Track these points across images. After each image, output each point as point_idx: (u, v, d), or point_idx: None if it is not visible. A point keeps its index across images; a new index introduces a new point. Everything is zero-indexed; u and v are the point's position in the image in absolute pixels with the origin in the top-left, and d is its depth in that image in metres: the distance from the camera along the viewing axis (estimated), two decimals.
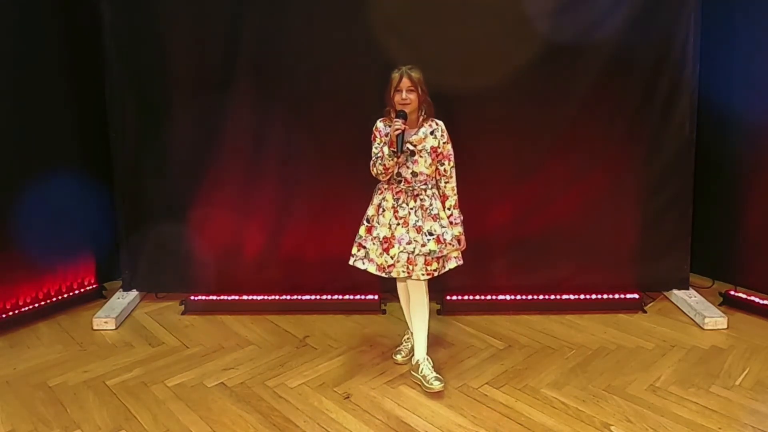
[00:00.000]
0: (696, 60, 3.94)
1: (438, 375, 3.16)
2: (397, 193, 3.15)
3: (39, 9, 3.87)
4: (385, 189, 3.17)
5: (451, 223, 3.18)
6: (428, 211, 3.13)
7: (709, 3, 3.95)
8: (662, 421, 2.90)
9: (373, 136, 3.16)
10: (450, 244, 3.14)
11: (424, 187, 3.14)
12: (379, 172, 3.07)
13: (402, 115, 3.02)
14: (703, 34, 3.94)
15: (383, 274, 3.14)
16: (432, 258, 3.11)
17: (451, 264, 3.20)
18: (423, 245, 3.09)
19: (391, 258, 3.10)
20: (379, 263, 3.13)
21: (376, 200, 3.20)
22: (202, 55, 3.92)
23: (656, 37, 3.89)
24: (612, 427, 2.87)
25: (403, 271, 3.10)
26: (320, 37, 3.85)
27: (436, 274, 3.15)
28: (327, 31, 3.84)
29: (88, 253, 4.32)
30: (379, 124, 3.16)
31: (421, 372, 3.19)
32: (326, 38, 3.84)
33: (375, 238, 3.14)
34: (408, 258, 3.09)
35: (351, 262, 3.21)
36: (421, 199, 3.13)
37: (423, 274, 3.10)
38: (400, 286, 3.32)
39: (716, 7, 4.04)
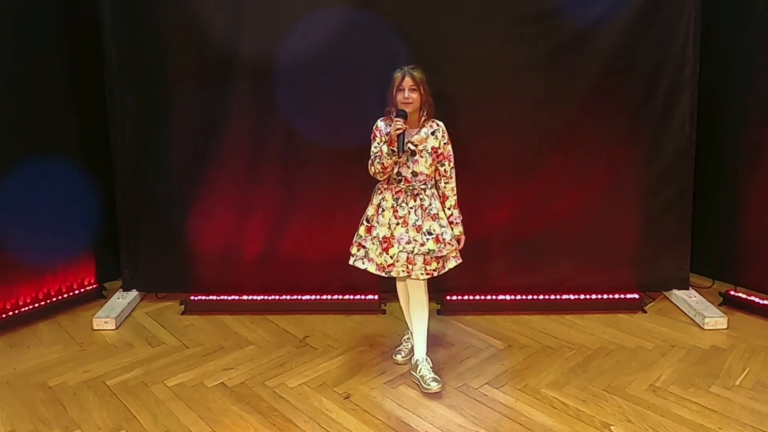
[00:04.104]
0: (696, 60, 3.94)
1: (436, 376, 3.16)
2: (396, 192, 3.15)
3: (39, 9, 3.87)
4: (384, 189, 3.18)
5: (451, 223, 3.20)
6: (427, 210, 3.13)
7: (709, 3, 3.95)
8: (662, 421, 2.90)
9: (373, 135, 3.16)
10: (449, 243, 3.14)
11: (423, 186, 3.14)
12: (377, 171, 3.07)
13: (402, 115, 3.01)
14: (703, 34, 3.94)
15: (383, 274, 3.15)
16: (431, 257, 3.11)
17: (451, 264, 3.21)
18: (422, 244, 3.09)
19: (391, 258, 3.11)
20: (378, 263, 3.13)
21: (375, 200, 3.20)
22: (202, 55, 3.92)
23: (656, 37, 3.89)
24: (612, 427, 2.87)
25: (403, 271, 3.10)
26: (320, 36, 3.84)
27: (435, 274, 3.15)
28: (327, 30, 3.83)
29: (88, 253, 4.32)
30: (380, 123, 3.16)
31: (420, 372, 3.19)
32: (326, 37, 3.83)
33: (374, 237, 3.15)
34: (407, 257, 3.09)
35: (351, 262, 3.22)
36: (420, 199, 3.14)
37: (422, 274, 3.11)
38: (399, 286, 3.32)
39: (716, 7, 4.04)
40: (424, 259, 3.10)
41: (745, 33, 4.07)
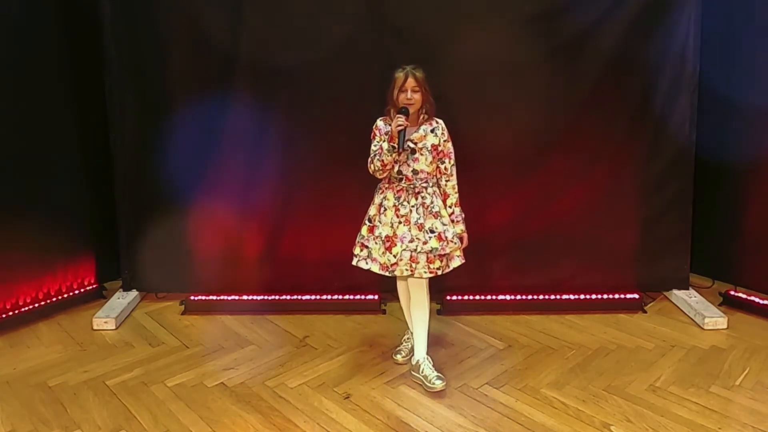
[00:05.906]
0: (696, 60, 3.94)
1: (439, 374, 3.17)
2: (398, 191, 3.15)
3: (39, 9, 3.87)
4: (386, 188, 3.18)
5: (453, 221, 3.20)
6: (429, 208, 3.14)
7: (709, 2, 3.95)
8: (662, 421, 2.90)
9: (372, 134, 3.17)
10: (452, 241, 3.14)
11: (425, 185, 3.14)
12: (377, 168, 3.08)
13: (404, 112, 3.02)
14: (703, 33, 3.94)
15: (386, 273, 3.15)
16: (434, 256, 3.11)
17: (455, 263, 3.21)
18: (425, 243, 3.09)
19: (394, 256, 3.11)
20: (382, 262, 3.14)
21: (377, 199, 3.21)
22: (202, 55, 3.92)
23: (656, 36, 3.89)
24: (612, 427, 2.87)
25: (406, 269, 3.10)
26: (320, 36, 3.84)
27: (439, 272, 3.15)
28: (327, 31, 3.84)
29: (88, 253, 4.32)
30: (380, 122, 3.17)
31: (422, 372, 3.19)
32: (326, 37, 3.84)
33: (377, 237, 3.15)
34: (410, 256, 3.09)
35: (354, 263, 3.22)
36: (422, 197, 3.14)
37: (425, 272, 3.11)
38: (400, 285, 3.32)
39: (716, 6, 4.03)
40: (428, 258, 3.10)
41: (745, 33, 4.06)
